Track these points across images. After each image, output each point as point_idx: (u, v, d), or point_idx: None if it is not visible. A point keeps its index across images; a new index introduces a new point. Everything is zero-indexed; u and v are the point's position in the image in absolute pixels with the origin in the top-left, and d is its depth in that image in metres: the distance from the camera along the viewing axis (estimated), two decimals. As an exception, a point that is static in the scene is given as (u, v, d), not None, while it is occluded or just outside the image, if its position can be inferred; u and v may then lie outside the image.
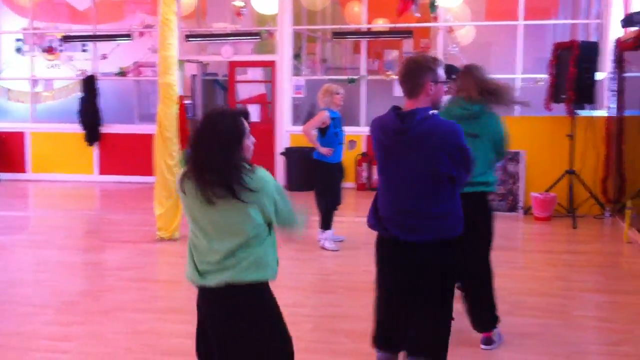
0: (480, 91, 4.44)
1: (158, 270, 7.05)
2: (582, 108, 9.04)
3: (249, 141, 2.91)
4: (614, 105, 8.99)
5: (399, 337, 3.57)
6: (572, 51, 8.48)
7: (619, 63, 8.87)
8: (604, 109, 9.41)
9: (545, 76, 9.60)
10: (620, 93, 8.89)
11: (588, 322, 5.12)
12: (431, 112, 3.36)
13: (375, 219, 3.50)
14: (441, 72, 3.39)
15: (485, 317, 4.61)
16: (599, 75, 8.94)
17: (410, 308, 3.47)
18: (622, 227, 7.84)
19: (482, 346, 4.58)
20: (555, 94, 9.00)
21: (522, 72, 11.08)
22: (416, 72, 3.36)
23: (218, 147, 2.81)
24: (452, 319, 3.59)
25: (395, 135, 3.36)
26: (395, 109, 3.43)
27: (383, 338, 3.64)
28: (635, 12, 7.72)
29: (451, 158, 3.30)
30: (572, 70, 8.39)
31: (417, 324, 3.48)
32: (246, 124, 2.90)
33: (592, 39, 10.80)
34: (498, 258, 6.90)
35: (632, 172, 8.56)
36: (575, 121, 8.75)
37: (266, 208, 2.85)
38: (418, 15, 10.82)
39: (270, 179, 2.89)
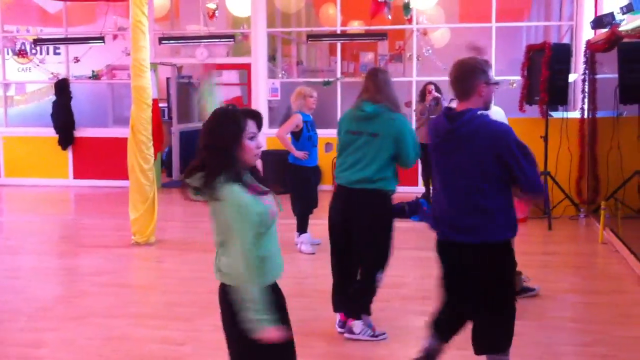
0: (380, 94, 4.65)
1: (132, 275, 6.99)
2: (556, 109, 9.12)
3: (252, 142, 2.83)
4: (586, 107, 9.08)
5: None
6: (544, 53, 8.54)
7: (591, 64, 8.96)
8: (577, 111, 9.50)
9: (518, 78, 9.67)
10: (592, 94, 8.98)
11: (563, 323, 5.15)
12: (480, 112, 3.45)
13: (434, 220, 3.67)
14: (491, 74, 3.51)
15: (352, 306, 4.81)
16: (571, 77, 9.02)
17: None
18: (597, 227, 7.91)
19: (346, 334, 4.78)
20: (528, 95, 9.07)
21: (496, 73, 11.14)
22: (469, 75, 3.47)
23: (209, 143, 2.80)
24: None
25: (445, 134, 3.48)
26: (447, 111, 3.54)
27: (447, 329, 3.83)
28: (604, 14, 7.80)
29: (499, 158, 3.38)
30: (545, 72, 8.45)
31: (478, 323, 3.67)
32: (249, 124, 2.83)
33: (565, 40, 10.90)
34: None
35: (606, 173, 8.65)
36: (548, 123, 8.82)
37: (225, 221, 2.78)
38: (389, 17, 10.85)
39: (235, 200, 2.74)
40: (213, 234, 2.87)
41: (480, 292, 3.57)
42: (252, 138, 2.85)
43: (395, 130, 4.58)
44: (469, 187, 3.45)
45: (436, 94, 9.72)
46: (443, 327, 3.84)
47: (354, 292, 4.80)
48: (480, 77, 3.44)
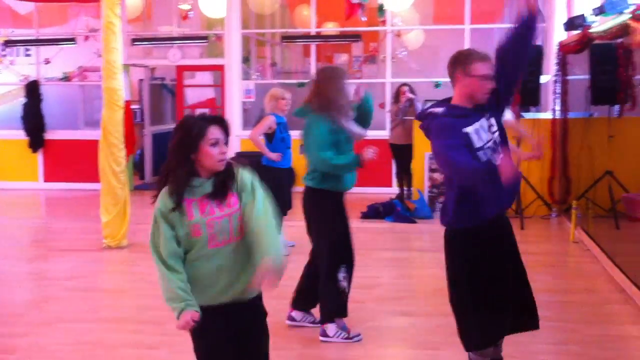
0: (317, 95, 4.65)
1: (104, 279, 6.90)
2: (528, 110, 9.20)
3: (214, 149, 2.86)
4: (558, 108, 9.16)
5: None
6: (517, 54, 8.59)
7: (563, 66, 9.05)
8: (548, 111, 9.58)
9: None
10: (564, 95, 9.07)
11: (536, 321, 5.16)
12: (433, 109, 3.45)
13: None
14: (475, 66, 3.37)
15: (322, 309, 4.80)
16: (543, 78, 9.10)
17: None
18: (569, 227, 7.98)
19: (321, 337, 4.76)
20: (501, 96, 9.12)
21: (470, 75, 11.20)
22: (450, 65, 3.49)
23: (169, 148, 2.92)
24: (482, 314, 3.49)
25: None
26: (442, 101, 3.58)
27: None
28: (576, 15, 7.88)
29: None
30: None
31: None
32: (212, 131, 2.87)
33: (537, 42, 11.00)
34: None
35: (577, 173, 8.73)
36: (521, 123, 8.88)
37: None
38: (364, 19, 10.86)
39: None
40: None
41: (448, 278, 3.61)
42: (214, 144, 2.85)
43: (307, 128, 4.65)
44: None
45: (410, 95, 9.76)
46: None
47: (320, 295, 4.79)
48: (458, 68, 3.40)
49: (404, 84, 9.99)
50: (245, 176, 2.98)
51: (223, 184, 2.91)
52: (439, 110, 3.41)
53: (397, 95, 9.95)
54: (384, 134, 10.85)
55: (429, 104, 8.68)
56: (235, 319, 3.00)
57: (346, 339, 4.72)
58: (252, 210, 2.90)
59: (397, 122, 9.86)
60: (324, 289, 4.75)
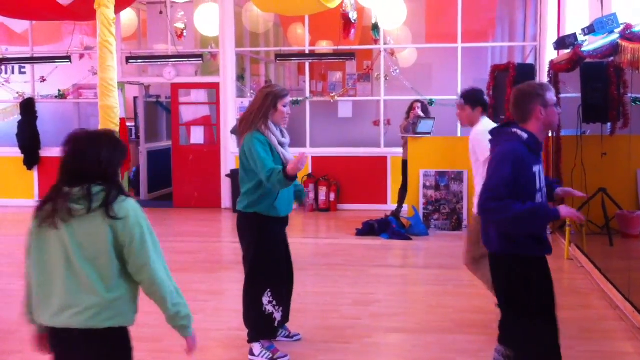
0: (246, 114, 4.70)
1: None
2: (521, 128, 9.26)
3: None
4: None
5: None
6: (509, 73, 8.68)
7: (555, 84, 9.12)
8: (541, 129, 9.63)
9: (484, 97, 9.80)
10: (556, 113, 9.12)
11: (531, 337, 5.18)
12: (514, 130, 3.53)
13: None
14: (550, 96, 3.57)
15: (248, 329, 4.77)
16: (536, 96, 9.15)
17: None
18: (563, 244, 8.01)
19: (249, 355, 4.75)
20: (494, 114, 9.18)
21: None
22: (523, 100, 3.56)
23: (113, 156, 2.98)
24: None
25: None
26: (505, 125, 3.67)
27: None
28: (567, 35, 7.96)
29: None
30: (510, 92, 8.56)
31: None
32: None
33: (529, 61, 11.10)
34: (443, 276, 6.99)
35: (570, 190, 8.77)
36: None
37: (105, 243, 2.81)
38: (352, 38, 10.94)
39: (137, 213, 2.86)
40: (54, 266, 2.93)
41: None
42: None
43: (242, 149, 4.64)
44: None
45: (420, 113, 9.69)
46: None
47: (246, 316, 4.77)
48: (536, 101, 3.53)
49: (417, 100, 9.96)
50: None
51: None
52: (524, 134, 3.50)
53: (409, 110, 9.91)
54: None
55: (423, 121, 8.92)
56: None
57: (270, 359, 4.67)
58: None
59: (405, 139, 9.78)
60: (247, 312, 4.74)
